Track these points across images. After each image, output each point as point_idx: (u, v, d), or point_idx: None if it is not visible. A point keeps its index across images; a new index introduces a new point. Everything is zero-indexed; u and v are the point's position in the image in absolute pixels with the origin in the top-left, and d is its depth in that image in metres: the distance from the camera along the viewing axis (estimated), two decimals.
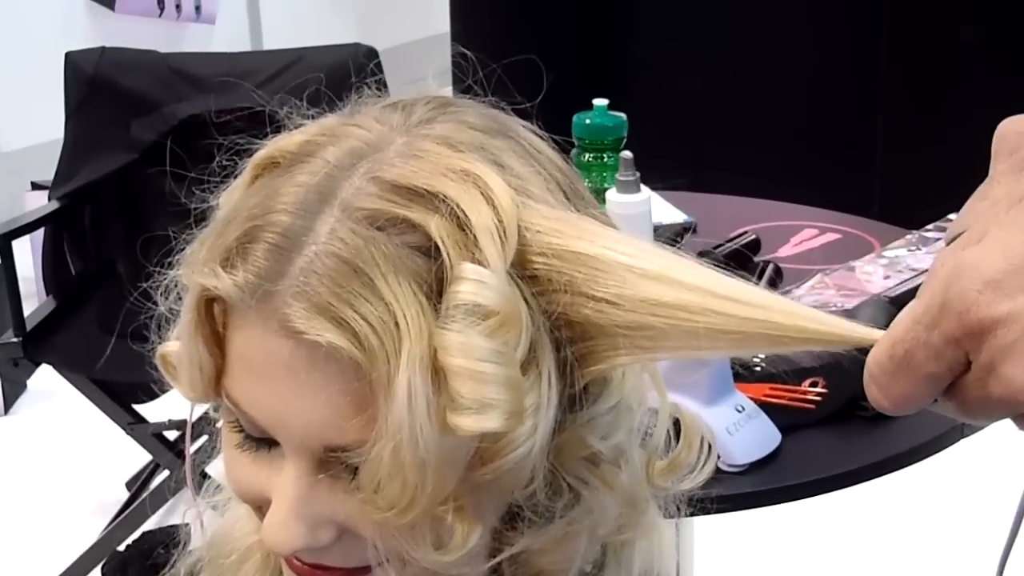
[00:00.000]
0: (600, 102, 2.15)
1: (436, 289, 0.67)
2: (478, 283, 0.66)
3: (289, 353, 0.68)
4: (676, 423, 0.81)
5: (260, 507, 0.75)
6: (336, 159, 0.70)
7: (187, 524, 0.89)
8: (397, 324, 0.65)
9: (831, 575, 2.84)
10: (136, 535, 2.74)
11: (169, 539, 0.91)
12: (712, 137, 3.41)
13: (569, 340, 0.70)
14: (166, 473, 2.90)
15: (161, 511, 2.89)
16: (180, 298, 0.75)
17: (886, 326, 0.61)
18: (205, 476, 2.82)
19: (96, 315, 2.82)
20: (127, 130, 2.75)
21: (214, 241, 0.70)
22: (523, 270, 0.69)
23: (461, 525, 0.70)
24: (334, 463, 0.70)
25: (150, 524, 2.88)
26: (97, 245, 2.91)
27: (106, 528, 2.90)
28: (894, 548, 2.88)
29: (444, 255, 0.67)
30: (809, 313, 0.65)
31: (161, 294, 0.77)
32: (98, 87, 2.81)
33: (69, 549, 2.85)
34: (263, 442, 0.73)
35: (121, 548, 2.77)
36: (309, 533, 0.71)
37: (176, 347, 0.75)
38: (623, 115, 2.18)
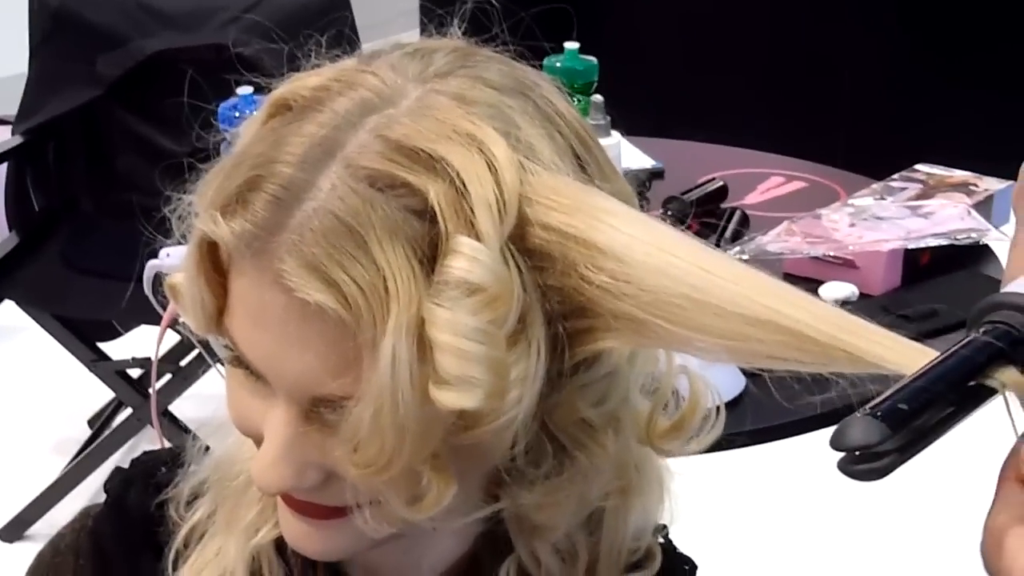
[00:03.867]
0: (571, 45, 2.15)
1: (430, 255, 0.66)
2: (471, 259, 0.65)
3: (281, 306, 0.68)
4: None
5: (258, 439, 0.75)
6: (345, 111, 0.70)
7: (194, 443, 0.89)
8: (387, 289, 0.65)
9: (795, 518, 2.87)
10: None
11: (173, 459, 0.91)
12: (681, 83, 3.40)
13: (563, 315, 0.70)
14: (129, 411, 2.90)
15: (123, 449, 2.89)
16: (190, 227, 0.74)
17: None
18: (168, 415, 2.81)
19: (60, 251, 2.81)
20: (92, 65, 2.72)
21: (220, 183, 0.70)
22: (521, 242, 0.68)
23: (437, 483, 0.70)
24: (321, 413, 0.71)
25: (112, 462, 2.88)
26: (61, 181, 2.89)
27: (68, 465, 2.89)
28: (858, 492, 2.90)
29: (441, 223, 0.66)
30: (836, 328, 0.63)
31: (177, 218, 0.77)
32: (63, 21, 2.77)
33: (30, 486, 2.85)
34: (261, 378, 0.73)
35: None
36: (296, 475, 0.72)
37: (182, 278, 0.75)
38: (594, 59, 2.18)
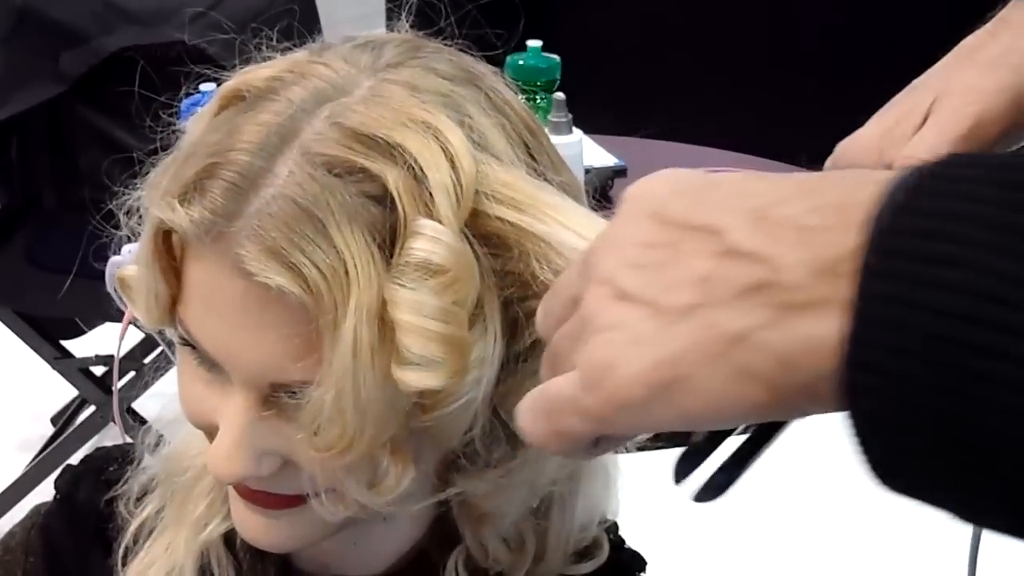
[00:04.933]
0: (534, 43, 2.15)
1: (389, 240, 0.67)
2: (433, 240, 0.66)
3: (241, 292, 0.68)
4: None
5: (211, 432, 0.76)
6: (300, 100, 0.70)
7: (142, 442, 0.90)
8: (347, 272, 0.66)
9: (751, 513, 2.88)
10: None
11: (123, 455, 0.92)
12: (644, 81, 3.41)
13: (518, 298, 0.71)
14: (92, 408, 2.89)
15: (87, 446, 2.87)
16: (141, 221, 0.75)
17: None
18: (132, 412, 2.80)
19: (23, 248, 2.79)
20: (56, 62, 2.71)
21: (175, 172, 0.71)
22: (475, 229, 0.69)
23: (395, 467, 0.71)
24: (279, 400, 0.71)
25: (75, 459, 2.86)
26: (24, 177, 2.87)
27: (30, 463, 2.88)
28: (829, 466, 2.92)
29: (400, 208, 0.67)
30: None
31: (124, 214, 0.78)
32: (27, 17, 2.76)
33: None
34: (215, 369, 0.73)
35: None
36: (252, 463, 0.73)
37: (134, 271, 0.75)
38: (556, 56, 2.18)
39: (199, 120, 0.75)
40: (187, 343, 0.74)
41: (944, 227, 0.42)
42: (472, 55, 0.77)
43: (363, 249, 0.66)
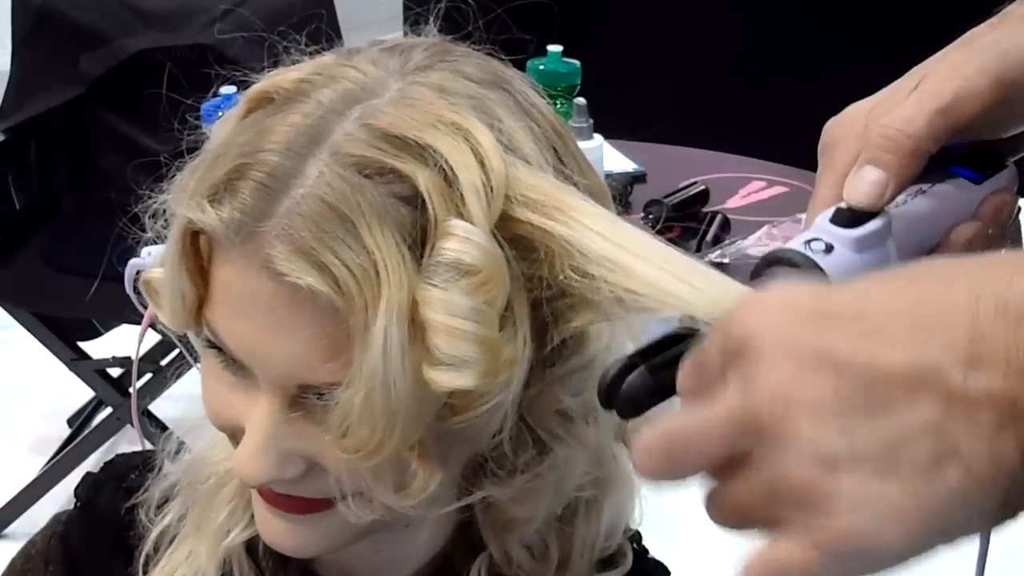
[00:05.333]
0: (554, 48, 2.15)
1: (419, 241, 0.67)
2: (465, 240, 0.66)
3: (270, 293, 0.68)
4: None
5: (235, 435, 0.75)
6: (330, 102, 0.70)
7: (163, 449, 0.89)
8: (378, 273, 0.65)
9: None
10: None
11: (143, 462, 0.91)
12: (664, 87, 3.40)
13: (547, 299, 0.70)
14: (109, 410, 2.89)
15: (103, 448, 2.87)
16: (167, 224, 0.75)
17: None
18: (148, 414, 2.80)
19: (41, 250, 2.80)
20: (75, 64, 2.71)
21: (203, 174, 0.70)
22: (504, 232, 0.69)
23: (423, 470, 0.71)
24: (307, 401, 0.71)
25: (91, 461, 2.86)
26: (42, 180, 2.88)
27: (46, 465, 2.88)
28: None
29: (430, 209, 0.67)
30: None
31: (149, 217, 0.78)
32: (46, 19, 2.76)
33: (9, 485, 2.83)
34: (241, 372, 0.73)
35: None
36: (278, 466, 0.72)
37: (160, 273, 0.75)
38: (577, 62, 2.18)
39: (226, 123, 0.75)
40: (213, 346, 0.74)
41: None
42: (500, 59, 0.77)
43: (393, 250, 0.66)
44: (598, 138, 1.98)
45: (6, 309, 2.78)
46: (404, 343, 0.65)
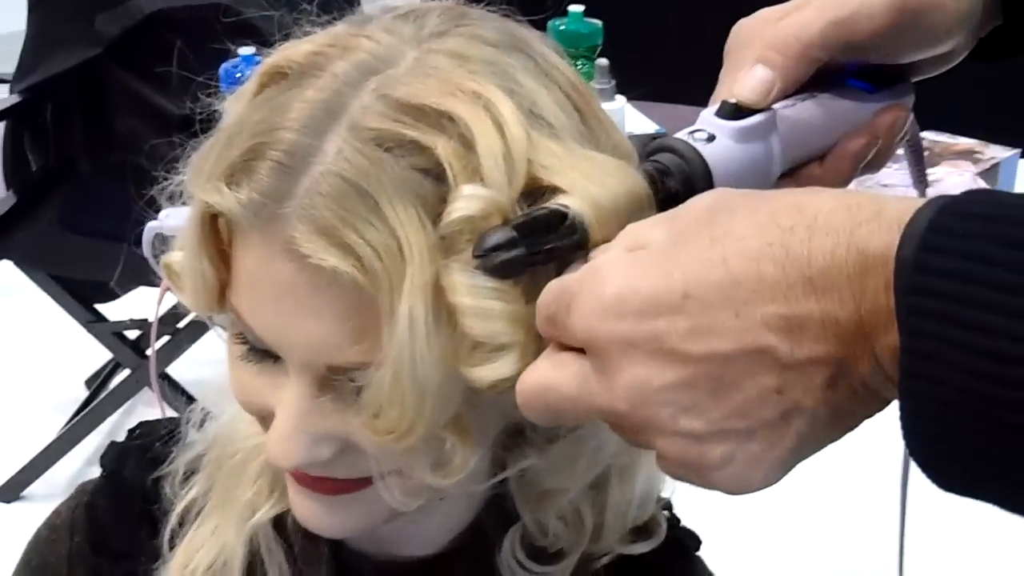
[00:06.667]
0: (576, 8, 2.13)
1: (441, 213, 0.65)
2: (470, 197, 0.64)
3: (293, 275, 0.66)
4: None
5: (265, 420, 0.74)
6: (345, 74, 0.68)
7: (187, 420, 0.88)
8: (401, 250, 0.64)
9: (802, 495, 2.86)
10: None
11: (169, 431, 0.90)
12: (685, 48, 3.38)
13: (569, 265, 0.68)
14: (126, 372, 2.89)
15: (121, 410, 2.88)
16: (184, 204, 0.74)
17: None
18: (165, 377, 2.80)
19: (57, 212, 2.79)
20: (91, 24, 2.69)
21: (219, 154, 0.68)
22: (528, 199, 0.67)
23: (462, 448, 0.69)
24: (337, 382, 0.70)
25: (109, 423, 2.87)
26: (58, 141, 2.87)
27: (65, 426, 2.89)
28: (864, 474, 2.89)
29: (450, 178, 0.65)
30: None
31: (166, 199, 0.77)
32: None
33: (27, 446, 2.84)
34: (267, 355, 0.72)
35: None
36: (311, 448, 0.71)
37: (180, 257, 0.73)
38: (599, 22, 2.15)
39: (239, 99, 0.73)
40: (240, 337, 0.72)
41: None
42: (517, 20, 0.75)
43: (416, 225, 0.64)
44: (620, 99, 1.95)
45: (23, 270, 2.78)
46: (430, 320, 0.64)
